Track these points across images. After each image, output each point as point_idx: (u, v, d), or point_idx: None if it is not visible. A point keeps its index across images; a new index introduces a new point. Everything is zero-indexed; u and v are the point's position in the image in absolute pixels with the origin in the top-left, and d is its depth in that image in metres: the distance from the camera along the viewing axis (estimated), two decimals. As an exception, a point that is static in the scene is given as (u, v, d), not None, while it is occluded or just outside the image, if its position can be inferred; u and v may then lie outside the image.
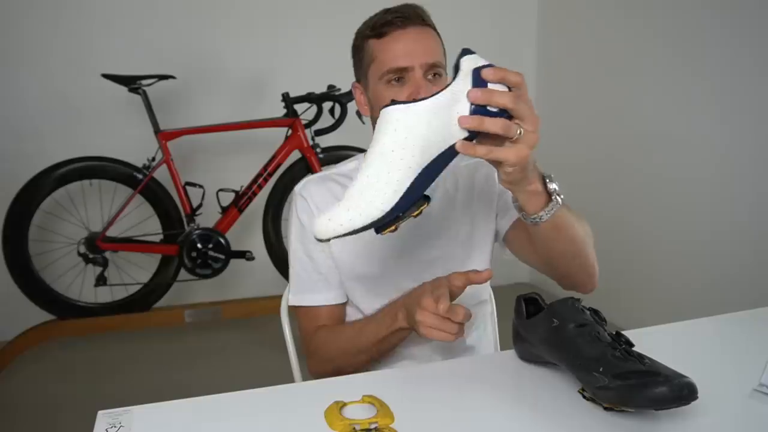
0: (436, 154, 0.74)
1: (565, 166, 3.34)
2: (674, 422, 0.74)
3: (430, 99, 0.73)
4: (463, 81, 0.73)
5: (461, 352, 1.16)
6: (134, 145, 2.79)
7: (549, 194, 0.87)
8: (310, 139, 2.73)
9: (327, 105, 2.71)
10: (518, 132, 0.74)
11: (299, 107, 2.73)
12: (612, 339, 0.79)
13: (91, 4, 2.82)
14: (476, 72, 0.72)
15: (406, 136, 0.72)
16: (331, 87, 2.72)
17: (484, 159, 0.76)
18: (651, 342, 0.86)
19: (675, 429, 0.73)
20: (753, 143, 2.28)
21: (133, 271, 2.88)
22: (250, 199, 2.76)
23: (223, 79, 3.02)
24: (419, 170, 0.73)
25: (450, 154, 0.74)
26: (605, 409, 0.76)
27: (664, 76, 2.66)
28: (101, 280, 2.70)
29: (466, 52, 0.75)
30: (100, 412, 0.78)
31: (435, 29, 1.10)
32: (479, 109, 0.72)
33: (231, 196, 2.75)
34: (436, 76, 1.08)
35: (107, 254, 2.72)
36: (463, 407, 0.80)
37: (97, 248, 2.69)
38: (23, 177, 2.59)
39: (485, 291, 1.26)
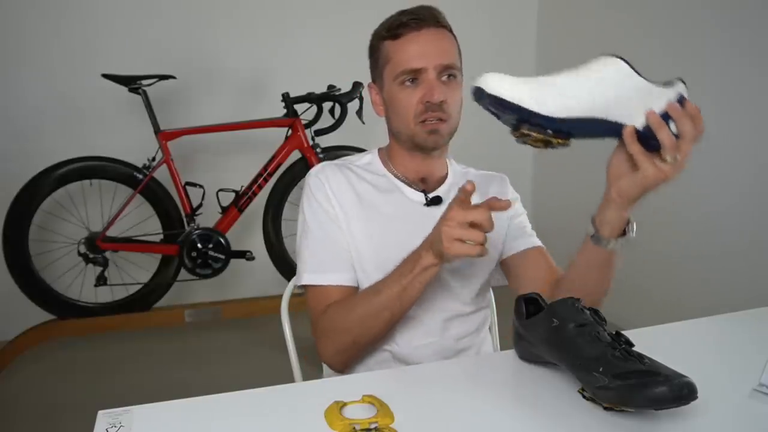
0: (606, 118, 0.83)
1: (565, 165, 3.35)
2: (674, 422, 0.74)
3: (646, 81, 0.83)
4: (672, 91, 0.83)
5: (459, 353, 1.16)
6: (134, 145, 2.79)
7: (625, 231, 0.96)
8: (310, 139, 2.73)
9: (327, 105, 2.71)
10: (673, 159, 0.83)
11: (299, 107, 2.73)
12: (612, 339, 0.79)
13: (91, 5, 2.82)
14: (682, 99, 0.84)
15: (609, 84, 0.82)
16: (331, 87, 2.72)
17: (631, 154, 0.84)
18: (651, 342, 0.86)
19: (675, 429, 0.73)
20: (753, 142, 2.28)
21: (134, 271, 2.88)
22: (250, 199, 2.76)
23: (223, 79, 3.03)
24: (588, 116, 0.82)
25: (612, 129, 0.84)
26: (605, 409, 0.76)
27: (663, 75, 2.65)
28: (101, 280, 2.69)
29: (683, 82, 0.85)
30: (100, 412, 0.78)
31: (450, 30, 1.12)
32: (664, 117, 0.82)
33: (231, 196, 2.75)
34: (450, 78, 1.09)
35: (107, 254, 2.72)
36: (463, 407, 0.80)
37: (97, 248, 2.69)
38: (23, 177, 2.58)
39: (486, 292, 1.26)
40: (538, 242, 1.21)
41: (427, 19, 1.08)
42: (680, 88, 0.84)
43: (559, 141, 0.83)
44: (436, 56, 1.07)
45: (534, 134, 0.82)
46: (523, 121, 0.82)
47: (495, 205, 0.92)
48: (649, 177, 0.85)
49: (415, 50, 1.07)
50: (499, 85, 0.81)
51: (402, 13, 1.10)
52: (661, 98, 0.83)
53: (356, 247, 1.12)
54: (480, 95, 0.82)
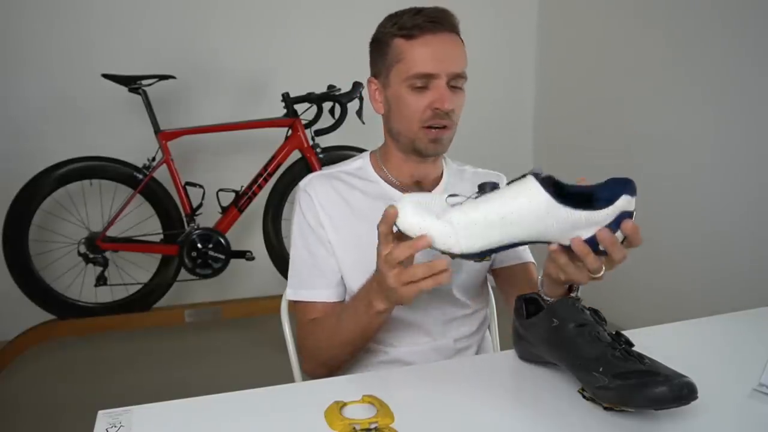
0: (532, 240, 0.80)
1: (565, 165, 3.34)
2: (674, 422, 0.74)
3: (571, 210, 0.76)
4: (606, 215, 0.77)
5: (458, 353, 1.16)
6: (134, 145, 2.79)
7: (571, 289, 0.94)
8: (310, 139, 2.73)
9: (327, 105, 2.71)
10: (600, 274, 0.82)
11: (299, 107, 2.73)
12: (612, 339, 0.79)
13: (91, 4, 2.82)
14: (623, 216, 0.77)
15: (532, 222, 0.77)
16: (331, 87, 2.72)
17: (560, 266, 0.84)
18: (651, 342, 0.86)
19: (675, 429, 0.73)
20: (754, 142, 2.28)
21: (133, 271, 2.88)
22: (250, 199, 2.76)
23: (223, 79, 3.02)
24: (512, 242, 0.80)
25: (538, 242, 0.81)
26: (605, 409, 0.76)
27: (663, 75, 2.66)
28: (101, 280, 2.69)
29: (631, 190, 0.77)
30: (100, 412, 0.78)
31: (460, 36, 1.10)
32: (592, 240, 0.79)
33: (231, 196, 2.75)
34: (456, 89, 1.07)
35: (107, 254, 2.72)
36: (463, 407, 0.80)
37: (97, 248, 2.69)
38: (23, 177, 2.58)
39: (485, 293, 1.26)
40: (527, 257, 1.20)
41: (444, 23, 1.05)
42: (622, 204, 0.77)
43: (478, 260, 0.81)
44: (449, 63, 1.04)
45: (452, 257, 0.81)
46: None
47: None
48: (576, 279, 0.85)
49: (430, 54, 1.04)
50: (409, 226, 0.79)
51: (417, 12, 1.06)
52: (589, 226, 0.78)
53: (347, 256, 1.12)
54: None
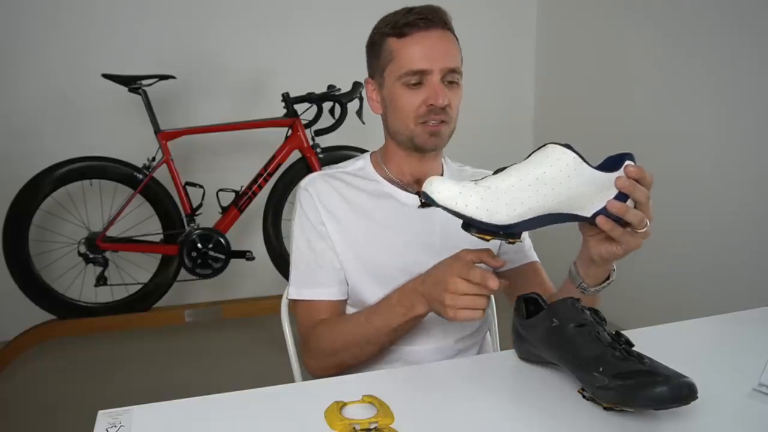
0: (564, 212, 0.82)
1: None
2: (674, 422, 0.74)
3: (596, 171, 0.82)
4: (619, 173, 0.83)
5: (459, 353, 1.16)
6: (134, 145, 2.79)
7: (608, 276, 0.96)
8: (310, 139, 2.73)
9: (327, 105, 2.71)
10: (647, 224, 0.84)
11: (299, 107, 2.73)
12: (612, 339, 0.79)
13: (91, 4, 2.82)
14: (625, 168, 0.83)
15: (561, 182, 0.80)
16: (331, 87, 2.72)
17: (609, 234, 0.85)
18: (651, 342, 0.86)
19: (675, 429, 0.73)
20: (754, 142, 2.28)
21: (134, 271, 2.88)
22: (250, 199, 2.76)
23: (223, 79, 3.03)
24: (545, 213, 0.81)
25: (567, 218, 0.83)
26: (605, 409, 0.76)
27: (663, 74, 2.66)
28: (101, 280, 2.69)
29: (630, 157, 0.84)
30: (100, 412, 0.78)
31: (454, 33, 1.10)
32: (621, 197, 0.83)
33: (231, 196, 2.75)
34: (453, 84, 1.07)
35: (107, 254, 2.72)
36: (463, 407, 0.80)
37: (97, 248, 2.69)
38: (23, 177, 2.58)
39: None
40: (533, 257, 1.21)
41: (435, 20, 1.06)
42: (628, 160, 0.84)
43: (511, 241, 0.81)
44: (441, 59, 1.05)
45: (487, 237, 0.81)
46: (473, 227, 0.80)
47: (486, 258, 0.89)
48: (632, 247, 0.87)
49: (421, 51, 1.05)
50: (448, 196, 0.78)
51: (409, 11, 1.07)
52: (609, 187, 0.83)
53: (350, 255, 1.12)
54: (429, 201, 0.79)
